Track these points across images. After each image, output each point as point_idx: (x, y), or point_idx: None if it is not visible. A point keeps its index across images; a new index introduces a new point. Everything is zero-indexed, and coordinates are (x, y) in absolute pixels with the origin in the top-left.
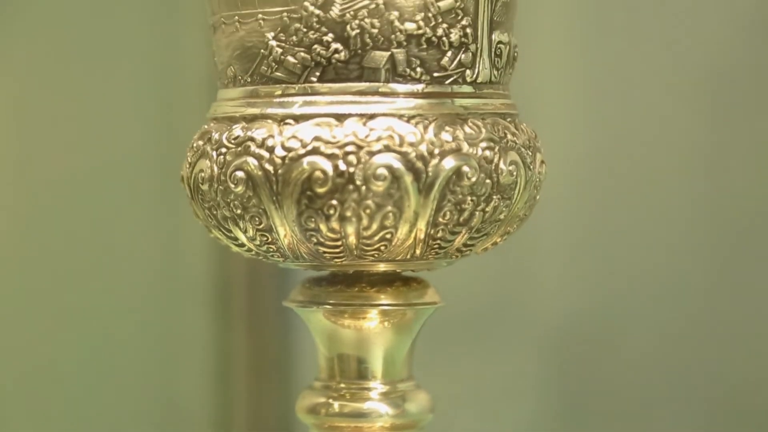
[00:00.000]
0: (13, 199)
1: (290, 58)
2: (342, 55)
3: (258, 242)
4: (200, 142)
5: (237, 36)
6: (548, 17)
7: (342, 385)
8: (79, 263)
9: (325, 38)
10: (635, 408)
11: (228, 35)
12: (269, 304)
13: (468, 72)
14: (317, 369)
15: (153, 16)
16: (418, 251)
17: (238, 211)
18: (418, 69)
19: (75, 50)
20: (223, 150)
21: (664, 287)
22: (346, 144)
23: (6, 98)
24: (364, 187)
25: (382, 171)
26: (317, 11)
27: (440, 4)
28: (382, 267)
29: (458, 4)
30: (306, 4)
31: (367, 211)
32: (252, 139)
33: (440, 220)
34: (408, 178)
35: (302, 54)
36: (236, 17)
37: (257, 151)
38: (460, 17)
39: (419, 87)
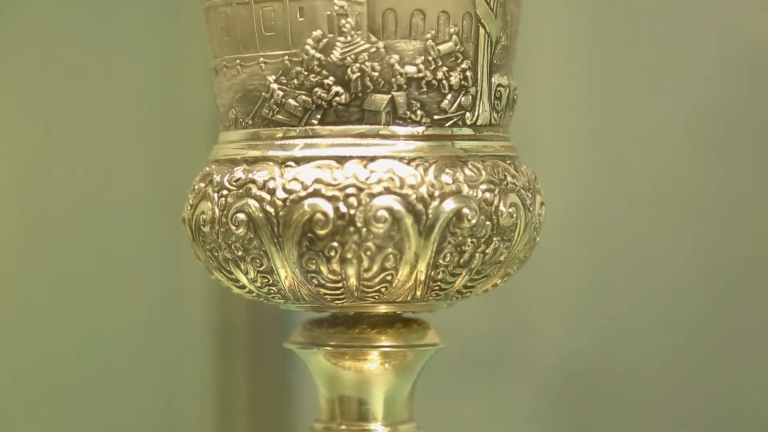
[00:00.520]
0: (14, 241)
1: (291, 101)
2: (343, 98)
3: (259, 284)
4: (202, 185)
5: (238, 79)
6: (547, 59)
7: (343, 427)
8: (80, 303)
9: (326, 81)
10: None
11: (229, 78)
12: (270, 345)
13: (468, 115)
14: (318, 410)
15: (154, 59)
16: (418, 293)
17: (240, 253)
18: (419, 112)
19: (77, 92)
20: (225, 192)
21: (665, 328)
22: (347, 186)
23: (7, 144)
24: (364, 229)
25: (383, 213)
26: (318, 55)
27: (440, 47)
28: (382, 308)
29: (458, 47)
30: (307, 47)
31: (368, 252)
32: (253, 182)
33: (441, 261)
34: (408, 220)
35: (303, 97)
36: (238, 60)
37: (258, 193)
38: (460, 60)
39: (419, 129)
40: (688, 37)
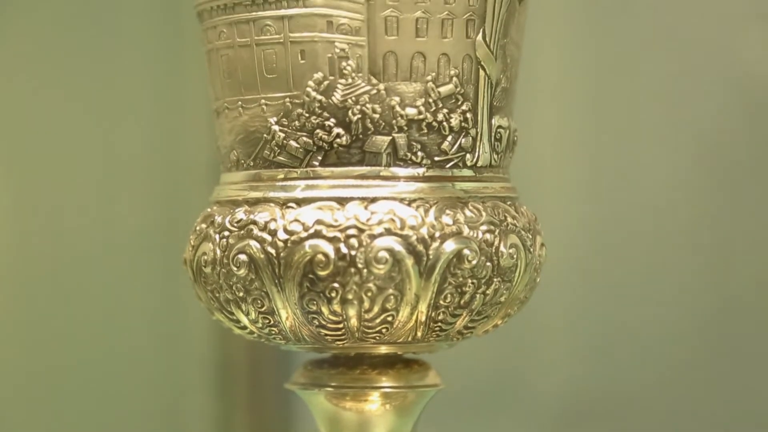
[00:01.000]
0: (13, 286)
1: (293, 143)
2: (344, 140)
3: (260, 325)
4: (203, 225)
5: (240, 121)
6: (548, 100)
7: None
8: (81, 343)
9: (327, 123)
10: None
11: (231, 120)
12: (271, 386)
13: (468, 156)
14: None
15: (156, 101)
16: (419, 334)
17: (241, 294)
18: (419, 153)
19: (80, 132)
20: (226, 233)
21: (665, 364)
22: (348, 227)
23: (9, 184)
24: (365, 270)
25: (384, 254)
26: (319, 97)
27: (441, 89)
28: (383, 349)
29: (458, 89)
30: (308, 89)
31: (369, 293)
32: (254, 223)
33: (441, 302)
34: (409, 261)
35: (304, 138)
36: (239, 102)
37: (260, 234)
38: (460, 102)
39: (420, 171)
40: (690, 76)
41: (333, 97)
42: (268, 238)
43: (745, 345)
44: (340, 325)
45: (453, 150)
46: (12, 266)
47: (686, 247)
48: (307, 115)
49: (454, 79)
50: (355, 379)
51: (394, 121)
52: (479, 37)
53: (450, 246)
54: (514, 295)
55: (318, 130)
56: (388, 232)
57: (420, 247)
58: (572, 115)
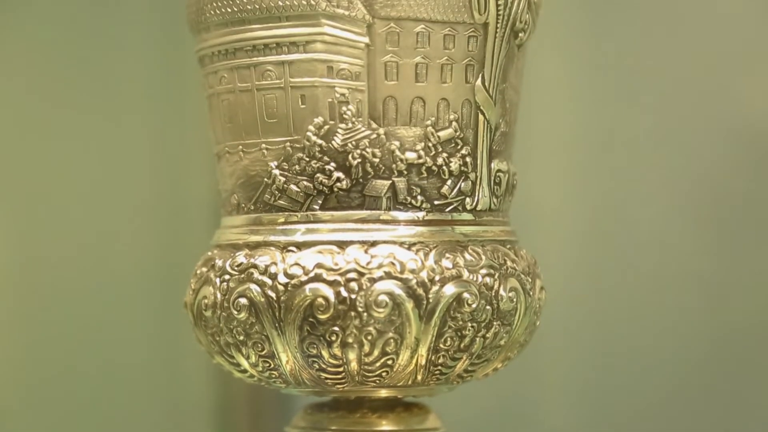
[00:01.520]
0: (12, 330)
1: (293, 187)
2: (344, 184)
3: (260, 368)
4: (204, 269)
5: (241, 165)
6: (546, 144)
7: None
8: (81, 386)
9: (327, 167)
10: None
11: (232, 164)
12: (271, 430)
13: (468, 200)
14: None
15: (157, 145)
16: (419, 377)
17: (241, 338)
18: (419, 197)
19: (81, 174)
20: (227, 277)
21: (668, 403)
22: (348, 271)
23: (6, 231)
24: (365, 314)
25: (384, 298)
26: (320, 141)
27: (440, 134)
28: (383, 393)
29: (458, 134)
30: (309, 134)
31: (369, 337)
32: (255, 266)
33: (441, 346)
34: (409, 305)
35: (305, 183)
36: (240, 146)
37: (260, 278)
38: (459, 146)
39: (420, 215)
40: (689, 121)
41: (333, 142)
42: (269, 281)
43: (743, 390)
44: (341, 369)
45: (453, 194)
46: (9, 310)
47: (685, 291)
48: (307, 159)
49: (454, 123)
50: (355, 423)
51: (394, 165)
52: (478, 82)
53: (450, 290)
54: (514, 339)
55: (318, 174)
56: (388, 275)
57: (420, 291)
58: (572, 159)
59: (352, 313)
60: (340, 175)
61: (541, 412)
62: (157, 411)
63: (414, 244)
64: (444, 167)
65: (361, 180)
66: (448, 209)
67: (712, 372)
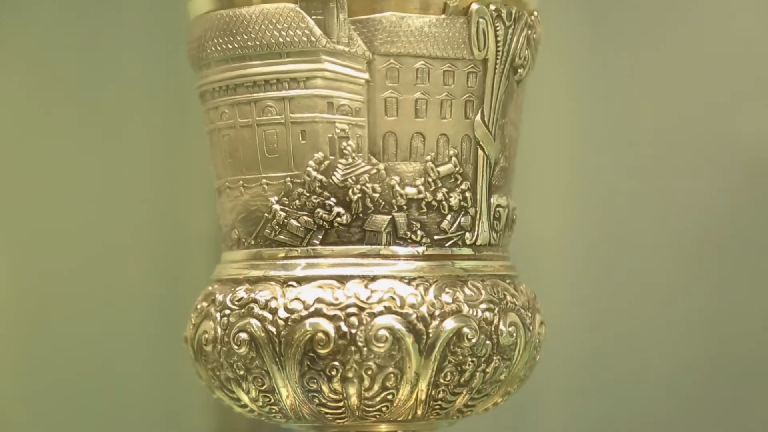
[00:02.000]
0: (9, 364)
1: (293, 222)
2: (344, 219)
3: (261, 403)
4: (204, 304)
5: (241, 200)
6: (546, 179)
7: None
8: (81, 420)
9: (327, 202)
10: None
11: (232, 199)
12: None
13: (468, 235)
14: None
15: (157, 180)
16: (419, 412)
17: (241, 372)
18: (419, 232)
19: (80, 208)
20: (227, 311)
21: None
22: (348, 306)
23: (4, 263)
24: (365, 349)
25: (384, 332)
26: (320, 176)
27: (440, 169)
28: (383, 428)
29: (457, 169)
30: (309, 169)
31: (369, 372)
32: (255, 301)
33: (441, 380)
34: (409, 340)
35: (305, 218)
36: (241, 182)
37: (260, 312)
38: (459, 182)
39: (420, 249)
40: (688, 152)
41: (333, 177)
42: (269, 316)
43: (748, 412)
44: (341, 404)
45: (452, 229)
46: (7, 344)
47: (685, 324)
48: (307, 194)
49: (453, 158)
50: None
51: (393, 201)
52: (478, 117)
53: (450, 324)
54: (514, 373)
55: (318, 209)
56: (388, 310)
57: (420, 326)
58: (571, 194)
59: (353, 348)
60: (341, 210)
61: None
62: None
63: (414, 278)
64: (444, 202)
65: (361, 215)
66: (447, 244)
67: (710, 403)
